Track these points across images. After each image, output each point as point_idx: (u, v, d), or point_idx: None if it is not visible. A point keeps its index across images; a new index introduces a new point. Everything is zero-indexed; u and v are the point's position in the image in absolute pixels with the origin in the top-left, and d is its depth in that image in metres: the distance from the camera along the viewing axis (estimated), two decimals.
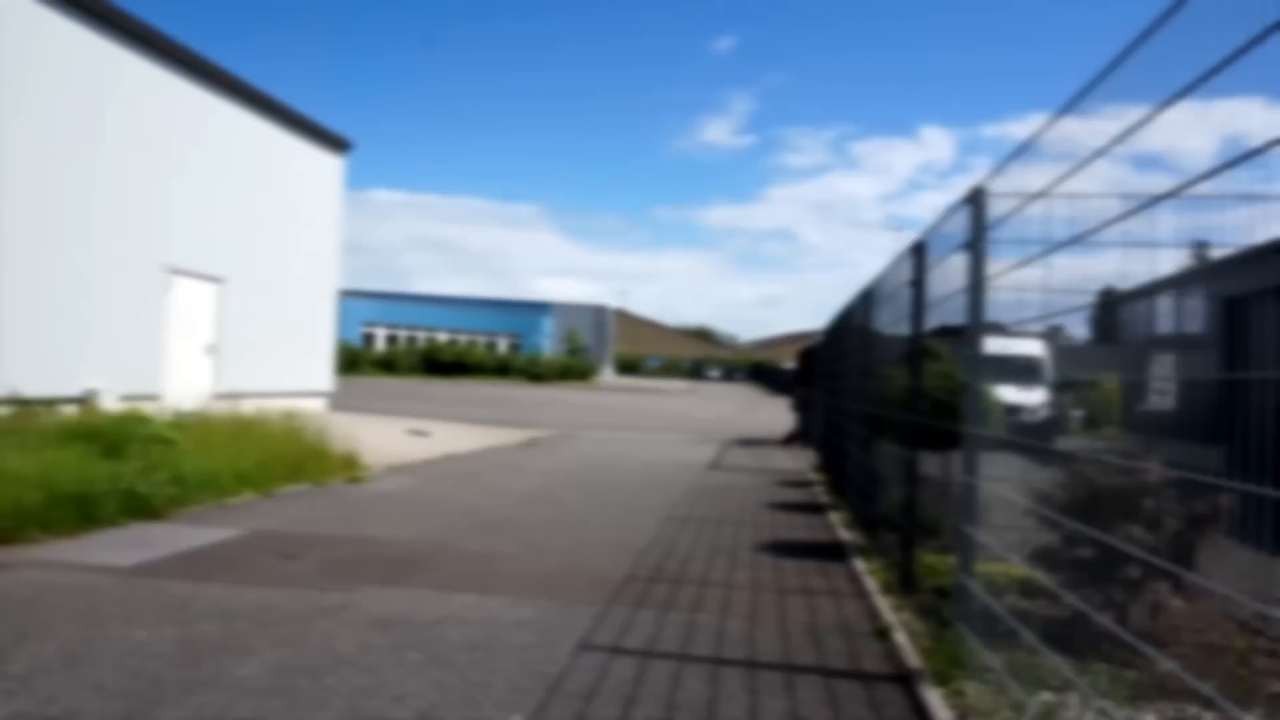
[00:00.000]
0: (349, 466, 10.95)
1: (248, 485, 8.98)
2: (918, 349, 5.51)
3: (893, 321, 6.69)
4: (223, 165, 15.05)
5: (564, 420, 23.51)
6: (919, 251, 5.40)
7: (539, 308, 63.86)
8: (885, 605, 5.41)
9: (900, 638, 4.67)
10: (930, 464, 5.79)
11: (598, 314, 70.00)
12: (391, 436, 14.82)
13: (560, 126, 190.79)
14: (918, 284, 5.37)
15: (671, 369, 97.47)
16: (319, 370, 17.22)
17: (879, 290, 7.69)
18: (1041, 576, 4.03)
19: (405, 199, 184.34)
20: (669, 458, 14.82)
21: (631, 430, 21.42)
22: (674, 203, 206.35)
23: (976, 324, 4.11)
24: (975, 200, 4.12)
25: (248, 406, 12.13)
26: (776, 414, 32.19)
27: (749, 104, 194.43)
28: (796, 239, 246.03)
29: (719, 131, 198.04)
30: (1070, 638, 3.83)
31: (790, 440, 20.10)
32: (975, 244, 4.09)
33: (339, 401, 21.45)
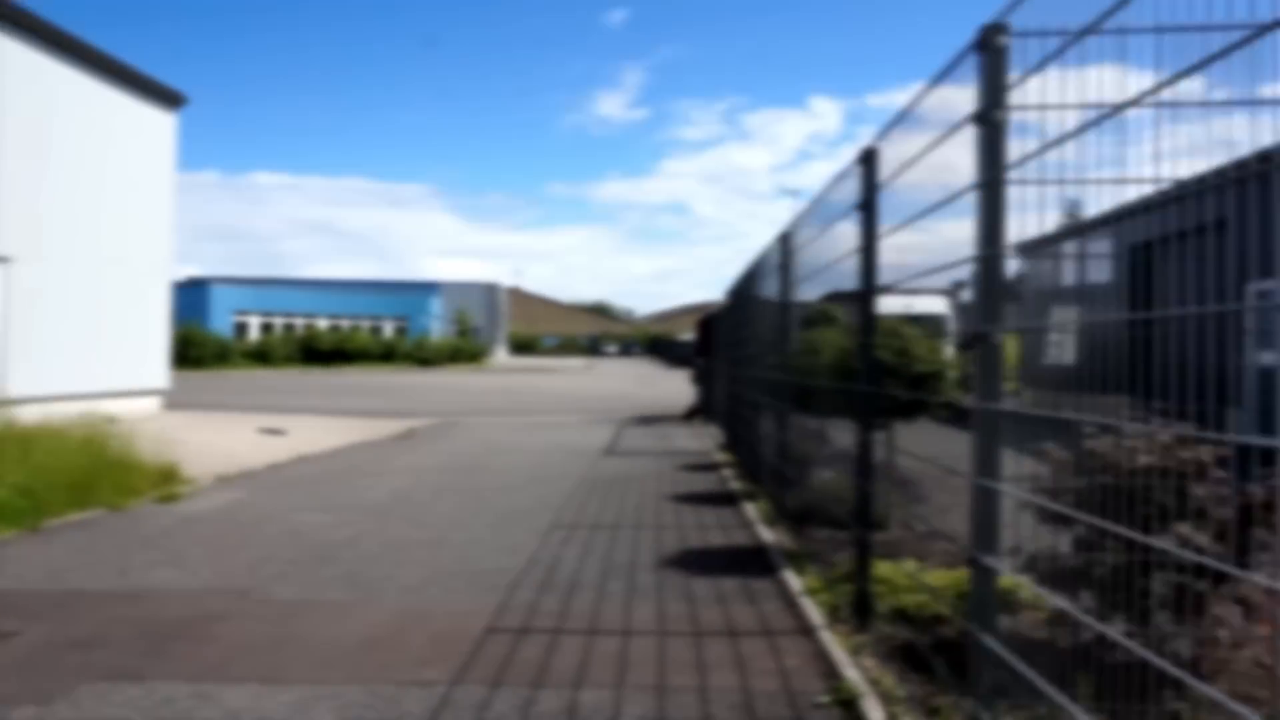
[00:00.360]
0: (165, 481, 8.95)
1: (5, 519, 6.93)
2: (869, 305, 4.06)
3: (818, 275, 5.26)
4: (12, 118, 12.48)
5: (449, 407, 21.59)
6: (868, 160, 3.93)
7: (426, 288, 60.94)
8: (839, 647, 3.97)
9: (876, 715, 3.22)
10: (866, 443, 4.41)
11: (489, 293, 67.50)
12: (237, 438, 12.71)
13: (451, 105, 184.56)
14: (867, 207, 3.90)
15: (568, 347, 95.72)
16: (151, 365, 14.78)
17: (797, 238, 6.25)
18: (1062, 601, 2.67)
19: (288, 181, 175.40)
20: (560, 443, 13.24)
21: (522, 414, 19.72)
22: (568, 179, 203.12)
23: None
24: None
25: (31, 413, 9.88)
26: (675, 388, 30.97)
27: (642, 77, 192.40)
28: (690, 212, 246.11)
29: (612, 105, 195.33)
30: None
31: (691, 415, 18.80)
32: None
33: (184, 400, 18.97)
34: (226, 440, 12.51)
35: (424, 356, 47.95)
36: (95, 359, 12.67)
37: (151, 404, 13.78)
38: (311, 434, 13.89)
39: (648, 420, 18.11)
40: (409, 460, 11.29)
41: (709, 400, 17.20)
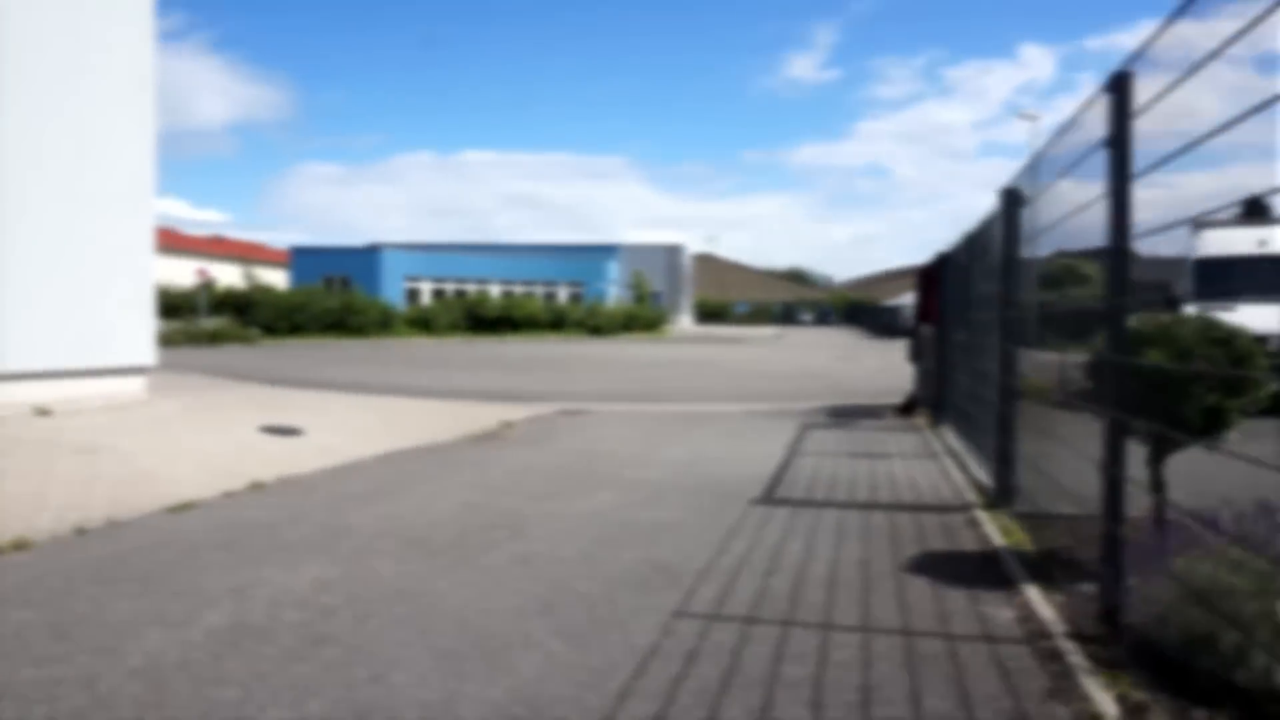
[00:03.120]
0: None
1: None
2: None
3: None
4: None
5: (585, 388, 16.93)
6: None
7: (603, 251, 57.24)
8: None
9: None
10: None
11: (671, 256, 62.94)
12: (207, 445, 8.53)
13: (642, 75, 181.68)
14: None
15: (760, 314, 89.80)
16: (124, 335, 9.96)
17: None
18: None
19: (495, 158, 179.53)
20: (698, 462, 8.10)
21: (674, 400, 14.69)
22: (761, 145, 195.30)
23: None
24: None
25: None
26: (878, 363, 24.87)
27: (833, 35, 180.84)
28: (889, 174, 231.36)
29: (803, 67, 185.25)
30: None
31: (910, 408, 13.01)
32: None
33: (249, 372, 15.47)
34: (182, 450, 8.35)
35: (596, 324, 44.09)
36: (34, 326, 8.83)
37: (129, 387, 9.86)
38: (342, 433, 9.54)
39: (844, 415, 12.54)
40: (413, 501, 6.51)
41: (940, 388, 11.37)
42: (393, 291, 45.67)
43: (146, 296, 9.83)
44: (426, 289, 48.51)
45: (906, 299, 39.09)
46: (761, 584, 4.46)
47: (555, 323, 44.63)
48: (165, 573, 4.63)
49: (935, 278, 12.23)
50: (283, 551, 5.09)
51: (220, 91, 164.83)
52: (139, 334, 9.70)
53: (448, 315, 41.55)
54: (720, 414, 12.55)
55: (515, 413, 12.23)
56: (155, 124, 10.04)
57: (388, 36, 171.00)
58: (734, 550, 5.13)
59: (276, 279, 47.41)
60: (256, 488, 6.93)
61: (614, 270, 55.23)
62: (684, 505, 6.43)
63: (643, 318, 47.14)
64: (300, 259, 48.05)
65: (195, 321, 33.43)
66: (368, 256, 47.22)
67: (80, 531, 5.44)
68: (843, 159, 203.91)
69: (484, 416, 11.73)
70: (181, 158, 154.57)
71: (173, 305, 36.13)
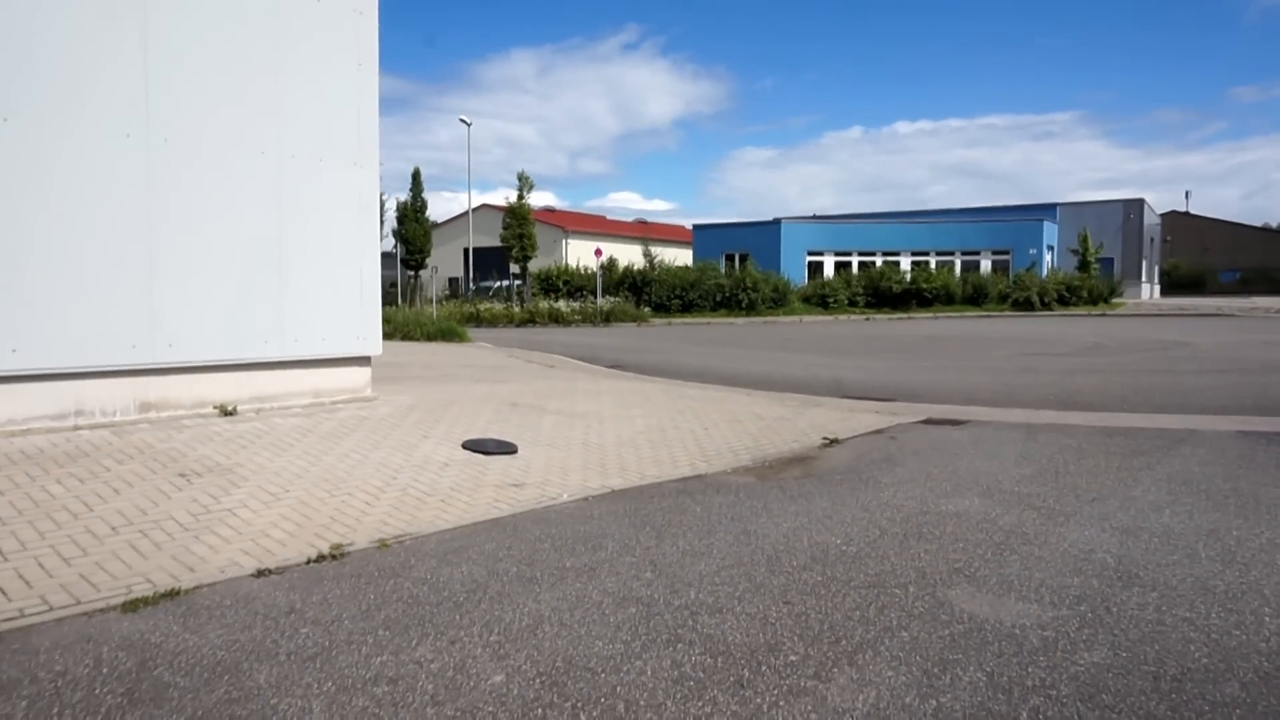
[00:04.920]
0: None
1: None
2: None
3: None
4: None
5: (979, 382, 12.42)
6: None
7: (1037, 212, 48.69)
8: None
9: None
10: None
11: (1128, 213, 51.86)
12: (370, 473, 6.25)
13: (1098, 19, 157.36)
14: None
15: (1255, 282, 71.53)
16: (341, 322, 7.90)
17: None
18: None
19: (927, 128, 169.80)
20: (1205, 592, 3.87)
21: (1116, 407, 9.69)
22: (1259, 81, 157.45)
23: None
24: None
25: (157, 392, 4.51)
26: None
27: None
28: None
29: None
30: None
31: None
32: None
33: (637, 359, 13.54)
34: (309, 478, 6.11)
35: (1022, 297, 37.01)
36: (250, 306, 7.26)
37: (351, 379, 8.03)
38: (573, 453, 6.74)
39: None
40: (513, 621, 3.35)
41: None
42: (793, 266, 43.08)
43: (368, 285, 7.89)
44: (830, 262, 45.13)
45: None
46: None
47: (972, 297, 38.42)
48: None
49: None
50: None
51: (667, 91, 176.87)
52: (358, 322, 7.81)
53: (847, 290, 37.71)
54: (1202, 434, 7.50)
55: (858, 420, 8.53)
56: (377, 155, 8.01)
57: (819, 21, 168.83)
58: None
59: (685, 258, 47.59)
60: (329, 558, 4.33)
61: (1051, 234, 46.63)
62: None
63: (1086, 287, 38.70)
64: (702, 236, 47.63)
65: (592, 301, 33.97)
66: (768, 230, 45.16)
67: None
68: None
69: (808, 425, 8.25)
70: (635, 155, 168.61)
71: (577, 286, 37.40)
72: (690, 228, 50.08)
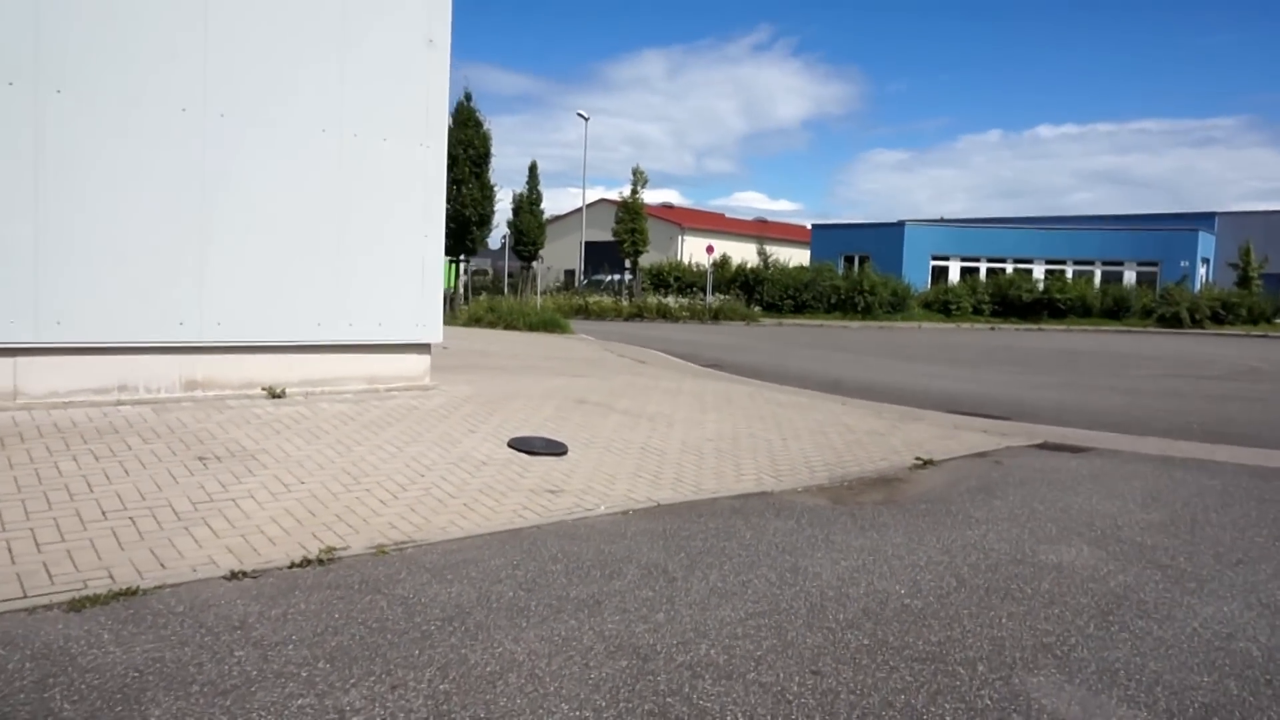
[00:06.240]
0: None
1: None
2: None
3: None
4: None
5: (1110, 406, 11.11)
6: None
7: (1194, 220, 44.78)
8: None
9: None
10: None
11: None
12: (399, 467, 5.81)
13: (1265, 13, 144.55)
14: None
15: None
16: (398, 300, 7.39)
17: None
18: None
19: (1072, 132, 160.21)
20: None
21: (1268, 443, 8.34)
22: None
23: None
24: None
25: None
26: None
27: None
28: None
29: None
30: None
31: None
32: None
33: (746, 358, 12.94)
34: (336, 470, 5.70)
35: (1169, 312, 33.98)
36: (303, 287, 6.96)
37: (408, 367, 7.65)
38: (627, 457, 6.13)
39: None
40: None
41: None
42: (916, 270, 41.14)
43: (430, 263, 7.48)
44: (955, 268, 42.87)
45: None
46: None
47: (1112, 310, 35.60)
48: None
49: None
50: None
51: (797, 92, 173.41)
52: (417, 304, 7.39)
53: (971, 297, 35.61)
54: None
55: (960, 440, 7.60)
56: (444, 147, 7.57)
57: (957, 21, 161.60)
58: None
59: (801, 258, 46.25)
60: (315, 563, 3.88)
61: (1207, 245, 42.79)
62: None
63: (1245, 305, 35.21)
64: (820, 236, 46.15)
65: (702, 298, 33.27)
66: (890, 232, 43.31)
67: None
68: None
69: (902, 442, 7.39)
70: (761, 155, 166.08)
71: (688, 282, 36.74)
72: (810, 228, 48.65)
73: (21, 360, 5.88)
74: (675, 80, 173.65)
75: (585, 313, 29.87)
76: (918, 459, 6.81)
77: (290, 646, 3.03)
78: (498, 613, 3.40)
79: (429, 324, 7.46)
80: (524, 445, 6.23)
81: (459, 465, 5.66)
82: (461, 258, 29.28)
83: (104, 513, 4.30)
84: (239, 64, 6.56)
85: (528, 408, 7.58)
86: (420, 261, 7.40)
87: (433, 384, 7.75)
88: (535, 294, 30.96)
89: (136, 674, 2.80)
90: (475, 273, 39.55)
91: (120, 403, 6.17)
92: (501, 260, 43.01)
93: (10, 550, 3.82)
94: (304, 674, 2.83)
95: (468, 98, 28.40)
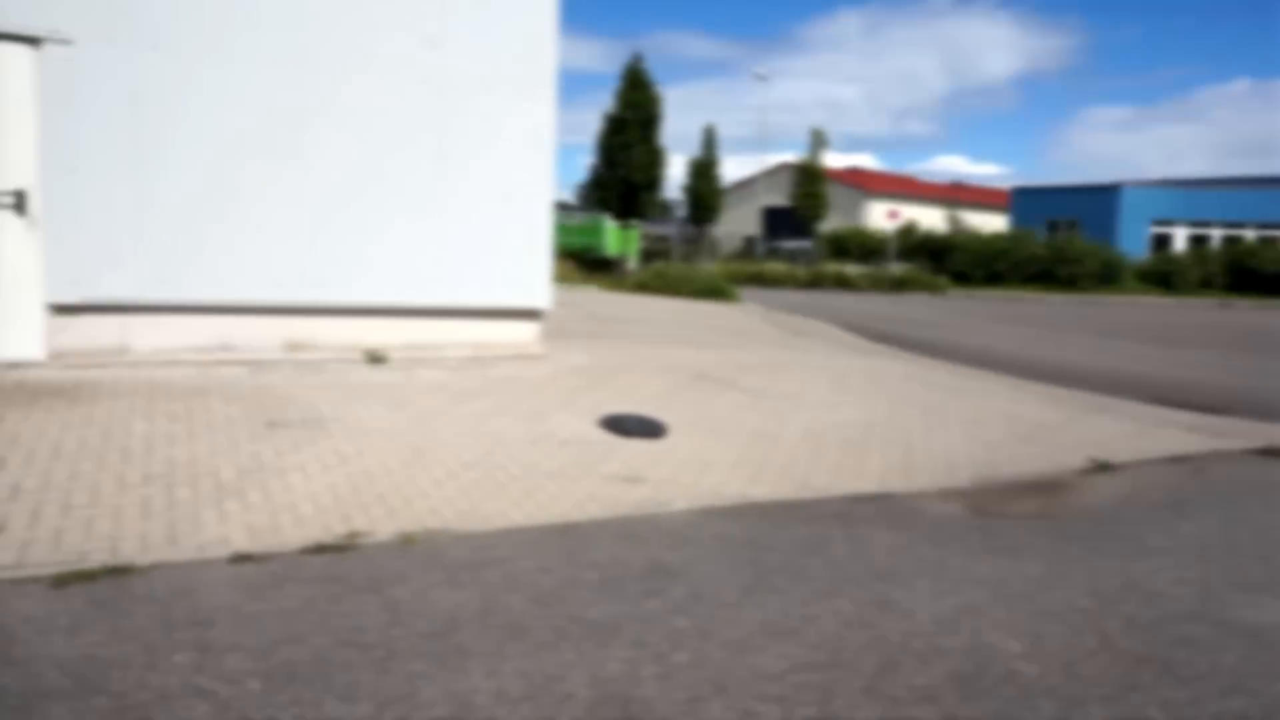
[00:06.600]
0: None
1: None
2: None
3: None
4: None
5: None
6: None
7: None
8: None
9: None
10: None
11: None
12: (480, 444, 5.37)
13: None
14: None
15: None
16: (507, 268, 6.99)
17: None
18: None
19: None
20: None
21: None
22: None
23: None
24: None
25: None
26: None
27: None
28: None
29: None
30: None
31: None
32: None
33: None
34: (406, 445, 5.32)
35: None
36: (403, 249, 6.66)
37: (516, 333, 7.24)
38: (734, 442, 5.43)
39: None
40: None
41: None
42: (1133, 238, 36.88)
43: (539, 220, 7.00)
44: (1181, 235, 38.09)
45: None
46: None
47: None
48: None
49: None
50: None
51: (1005, 46, 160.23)
52: (526, 266, 6.95)
53: (1199, 269, 31.39)
54: None
55: (1154, 439, 6.35)
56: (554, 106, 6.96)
57: None
58: None
59: (999, 224, 42.77)
60: (330, 549, 3.50)
61: None
62: None
63: None
64: (1021, 200, 42.32)
65: (884, 265, 31.39)
66: (1104, 196, 39.02)
67: None
68: None
69: (1078, 439, 6.27)
70: (965, 115, 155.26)
71: (870, 249, 34.82)
72: (1009, 191, 44.82)
73: (129, 318, 5.95)
74: (871, 40, 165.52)
75: (761, 280, 28.92)
76: (1093, 461, 5.65)
77: (236, 655, 2.62)
78: (489, 633, 2.85)
79: (536, 289, 7.03)
80: (617, 424, 5.65)
81: (537, 444, 5.17)
82: (635, 222, 29.06)
83: (145, 477, 4.13)
84: (335, 10, 6.30)
85: (639, 382, 6.99)
86: (528, 223, 6.95)
87: (542, 352, 7.33)
88: (711, 260, 30.33)
89: (56, 673, 2.46)
90: (658, 239, 39.40)
91: (222, 362, 6.16)
92: (684, 226, 42.66)
93: (36, 514, 3.68)
94: (223, 694, 2.39)
95: (639, 59, 27.98)
